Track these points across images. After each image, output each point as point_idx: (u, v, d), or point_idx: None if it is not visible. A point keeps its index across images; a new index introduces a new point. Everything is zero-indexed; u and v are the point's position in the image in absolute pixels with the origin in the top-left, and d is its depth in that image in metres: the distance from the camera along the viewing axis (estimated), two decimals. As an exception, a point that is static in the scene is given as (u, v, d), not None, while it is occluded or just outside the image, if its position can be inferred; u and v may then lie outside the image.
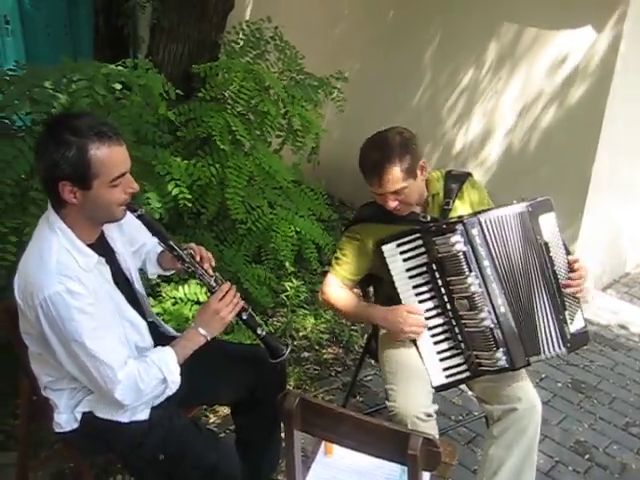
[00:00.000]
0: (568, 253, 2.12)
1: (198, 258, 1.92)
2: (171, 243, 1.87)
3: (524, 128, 4.09)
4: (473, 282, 2.04)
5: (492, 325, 2.05)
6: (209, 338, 1.84)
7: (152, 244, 2.08)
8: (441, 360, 2.14)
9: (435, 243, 2.07)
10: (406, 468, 1.48)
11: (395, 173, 2.04)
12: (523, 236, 2.06)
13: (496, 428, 2.09)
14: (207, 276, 1.89)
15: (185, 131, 3.31)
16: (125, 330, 1.79)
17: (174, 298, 3.13)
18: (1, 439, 2.56)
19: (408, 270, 2.13)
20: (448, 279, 2.07)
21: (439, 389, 2.13)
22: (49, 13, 5.16)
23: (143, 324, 1.88)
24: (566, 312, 2.09)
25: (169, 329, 2.14)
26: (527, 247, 2.06)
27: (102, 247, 1.81)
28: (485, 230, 2.04)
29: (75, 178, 1.62)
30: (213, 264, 1.96)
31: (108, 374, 1.65)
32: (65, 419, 1.79)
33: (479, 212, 2.12)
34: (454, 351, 2.13)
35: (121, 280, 1.87)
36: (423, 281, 2.12)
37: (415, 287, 2.14)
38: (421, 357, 2.14)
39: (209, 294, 1.88)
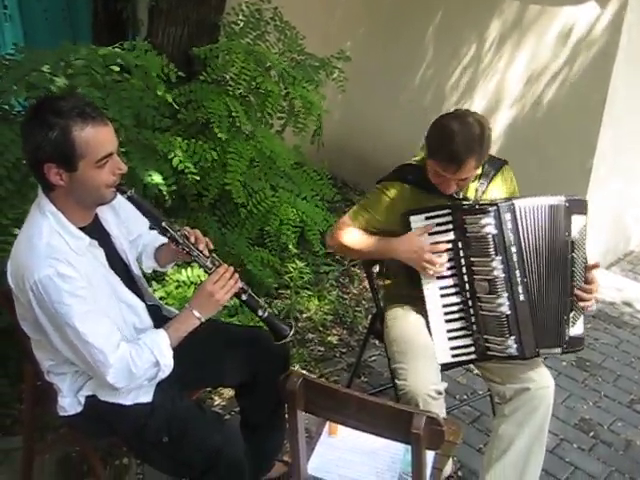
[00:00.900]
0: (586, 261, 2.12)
1: (193, 239, 1.88)
2: (164, 224, 1.83)
3: (527, 105, 4.06)
4: (497, 266, 2.04)
5: (508, 312, 2.05)
6: (203, 320, 1.82)
7: (150, 238, 2.07)
8: (450, 339, 2.13)
9: (465, 222, 2.06)
10: (410, 447, 1.48)
11: (472, 164, 2.02)
12: (554, 229, 2.05)
13: (508, 407, 2.09)
14: (202, 257, 1.86)
15: (185, 113, 3.29)
16: (122, 312, 1.79)
17: (177, 281, 3.13)
18: (7, 424, 2.58)
19: (432, 244, 2.11)
20: (472, 259, 2.07)
21: (443, 368, 2.12)
22: (47, -2, 5.11)
23: (141, 305, 1.87)
24: (571, 314, 2.09)
25: (173, 311, 2.12)
26: (555, 241, 2.05)
27: (97, 230, 1.80)
28: (518, 216, 2.03)
29: (60, 159, 1.60)
30: (211, 247, 1.93)
31: (100, 358, 1.65)
32: (69, 403, 1.79)
33: (514, 197, 2.10)
34: (464, 332, 2.13)
35: (117, 263, 1.86)
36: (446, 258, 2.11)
37: None
38: (430, 333, 2.14)
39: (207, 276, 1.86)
